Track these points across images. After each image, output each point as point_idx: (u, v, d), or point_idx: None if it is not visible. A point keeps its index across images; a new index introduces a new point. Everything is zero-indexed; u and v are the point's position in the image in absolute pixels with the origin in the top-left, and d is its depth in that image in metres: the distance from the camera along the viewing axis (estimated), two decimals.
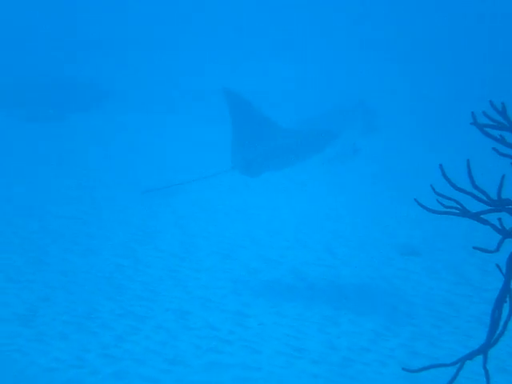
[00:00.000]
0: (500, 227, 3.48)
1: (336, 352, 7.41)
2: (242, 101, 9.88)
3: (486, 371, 3.82)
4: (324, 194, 13.14)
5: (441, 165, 3.62)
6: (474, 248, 3.79)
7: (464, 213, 3.52)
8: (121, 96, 20.21)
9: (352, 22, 25.01)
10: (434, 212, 3.67)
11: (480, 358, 3.87)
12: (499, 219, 3.58)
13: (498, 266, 3.73)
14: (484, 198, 3.42)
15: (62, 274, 9.07)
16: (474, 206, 3.71)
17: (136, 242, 10.25)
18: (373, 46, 23.62)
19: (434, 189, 3.69)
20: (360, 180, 13.90)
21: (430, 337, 7.86)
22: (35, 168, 13.77)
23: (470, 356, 3.76)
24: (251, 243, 10.46)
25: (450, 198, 3.63)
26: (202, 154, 15.40)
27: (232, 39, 24.34)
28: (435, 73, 21.65)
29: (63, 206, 11.70)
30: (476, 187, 3.48)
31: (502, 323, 3.70)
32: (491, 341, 3.68)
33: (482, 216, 3.53)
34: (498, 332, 3.68)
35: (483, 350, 3.71)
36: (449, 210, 3.59)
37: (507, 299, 3.62)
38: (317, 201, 12.71)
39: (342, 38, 24.08)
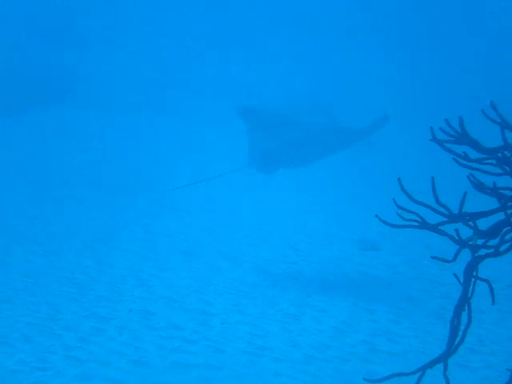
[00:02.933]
0: (457, 238, 3.63)
1: (298, 349, 7.53)
2: (257, 112, 10.10)
3: (447, 379, 3.96)
4: (287, 191, 13.28)
5: (399, 179, 3.77)
6: (432, 258, 3.95)
7: (423, 225, 3.66)
8: (87, 93, 20.03)
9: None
10: (395, 227, 3.83)
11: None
12: (456, 230, 3.73)
13: (455, 275, 3.88)
14: (444, 212, 3.57)
15: (24, 275, 9.05)
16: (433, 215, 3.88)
17: (99, 241, 10.27)
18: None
19: (396, 202, 3.85)
20: (323, 177, 14.06)
21: (389, 333, 8.03)
22: None
23: (431, 364, 3.91)
24: (213, 240, 10.55)
25: (410, 211, 3.79)
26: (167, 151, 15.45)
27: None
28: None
29: (24, 205, 11.64)
30: (439, 203, 3.64)
31: (461, 332, 3.84)
32: (451, 349, 3.81)
33: (439, 227, 3.68)
34: (457, 340, 3.82)
35: (443, 359, 3.85)
36: (408, 223, 3.75)
37: (465, 308, 3.76)
38: (279, 198, 12.85)
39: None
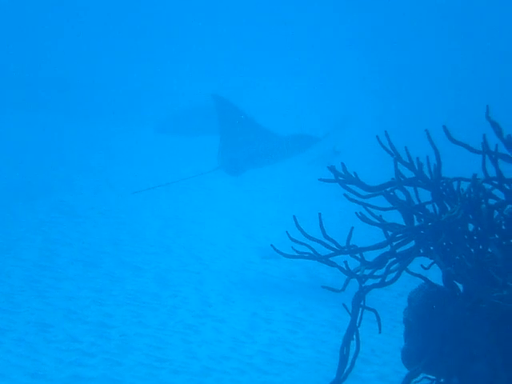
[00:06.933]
0: (346, 269, 3.84)
1: (197, 361, 7.63)
2: (231, 107, 11.02)
3: None
4: (192, 197, 13.35)
5: (294, 216, 3.97)
6: (323, 287, 4.16)
7: (315, 256, 3.86)
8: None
9: None
10: (289, 257, 4.01)
11: None
12: (345, 262, 3.96)
13: (344, 305, 4.08)
14: (333, 246, 3.77)
15: None
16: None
17: None
18: None
19: (289, 235, 4.04)
20: (226, 184, 14.19)
21: (286, 342, 8.23)
22: None
23: None
24: (115, 249, 10.51)
25: (302, 243, 4.00)
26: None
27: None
28: None
29: None
30: (326, 237, 3.85)
31: (350, 360, 4.04)
32: (341, 377, 4.01)
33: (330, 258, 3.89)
34: (346, 368, 4.02)
35: None
36: (301, 255, 3.94)
37: (354, 336, 3.96)
38: (182, 204, 12.91)
39: None
